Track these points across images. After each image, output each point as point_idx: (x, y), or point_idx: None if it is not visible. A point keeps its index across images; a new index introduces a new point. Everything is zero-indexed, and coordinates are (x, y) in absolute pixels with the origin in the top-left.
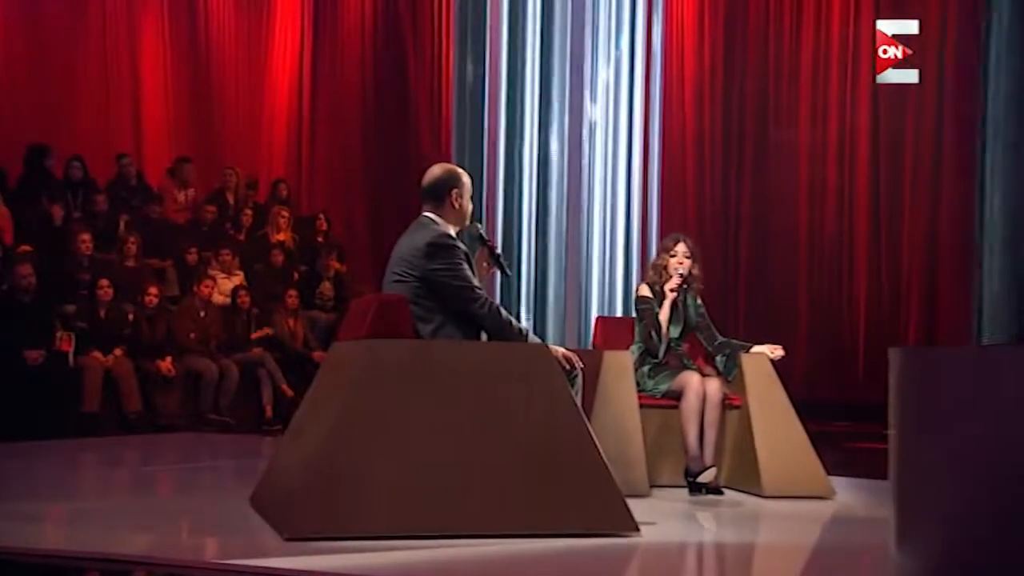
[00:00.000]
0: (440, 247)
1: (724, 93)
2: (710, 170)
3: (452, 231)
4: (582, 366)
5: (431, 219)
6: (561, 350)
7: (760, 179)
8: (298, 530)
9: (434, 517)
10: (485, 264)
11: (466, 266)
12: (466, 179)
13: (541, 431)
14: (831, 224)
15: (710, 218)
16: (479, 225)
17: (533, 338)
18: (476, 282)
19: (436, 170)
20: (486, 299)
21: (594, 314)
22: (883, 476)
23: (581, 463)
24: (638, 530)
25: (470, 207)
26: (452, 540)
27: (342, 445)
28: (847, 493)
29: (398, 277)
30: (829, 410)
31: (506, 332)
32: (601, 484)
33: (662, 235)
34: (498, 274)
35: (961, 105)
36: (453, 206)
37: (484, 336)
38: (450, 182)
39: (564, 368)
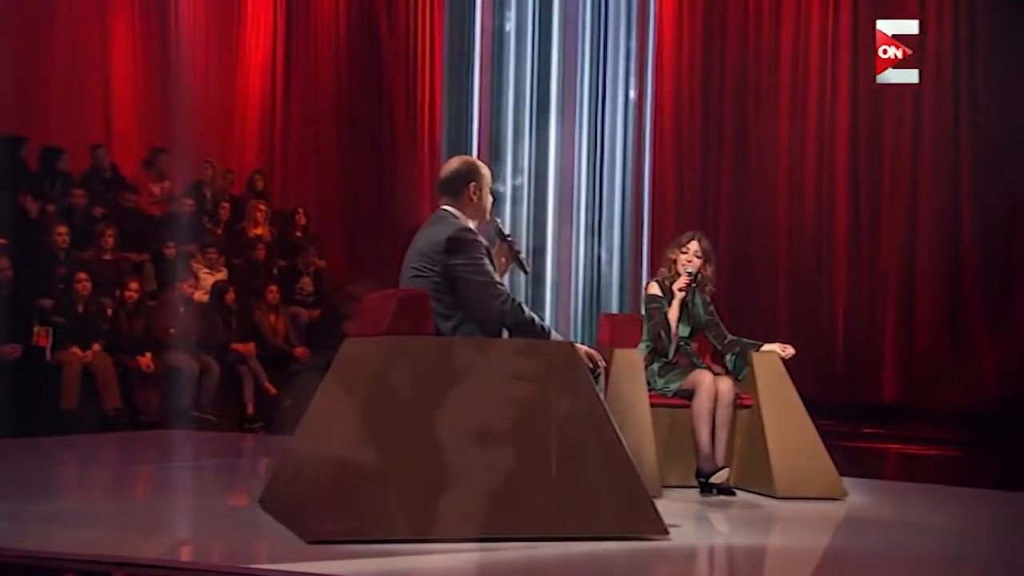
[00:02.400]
0: (461, 241)
1: (704, 92)
2: (689, 168)
3: (472, 225)
4: (604, 364)
5: (449, 212)
6: (584, 348)
7: (742, 177)
8: (321, 533)
9: (459, 519)
10: (504, 259)
11: (487, 261)
12: (485, 171)
13: (568, 431)
14: (811, 223)
15: (689, 214)
16: (499, 220)
17: (555, 335)
18: (498, 278)
19: (454, 163)
20: (508, 295)
21: (582, 312)
22: (882, 476)
23: (608, 464)
24: (666, 532)
25: (490, 201)
26: (476, 544)
27: (363, 446)
28: (856, 493)
29: (416, 272)
30: (811, 408)
31: (528, 329)
32: (629, 485)
33: (653, 232)
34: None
35: (945, 105)
36: (471, 199)
37: (505, 333)
38: (468, 175)
39: (588, 366)
